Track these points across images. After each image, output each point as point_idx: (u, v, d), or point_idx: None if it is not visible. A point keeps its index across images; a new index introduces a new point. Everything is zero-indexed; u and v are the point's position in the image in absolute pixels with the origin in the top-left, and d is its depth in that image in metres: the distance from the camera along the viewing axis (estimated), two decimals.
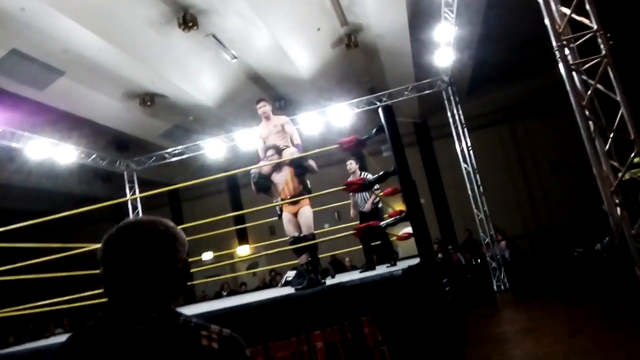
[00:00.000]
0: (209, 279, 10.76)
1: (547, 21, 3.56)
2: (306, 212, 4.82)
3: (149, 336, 0.96)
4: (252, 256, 5.49)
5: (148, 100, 10.20)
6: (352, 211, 6.53)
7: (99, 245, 1.08)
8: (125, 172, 12.88)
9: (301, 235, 4.72)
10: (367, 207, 6.10)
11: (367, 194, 6.13)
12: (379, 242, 6.12)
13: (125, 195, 12.55)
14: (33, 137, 9.57)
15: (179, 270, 1.10)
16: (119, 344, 0.95)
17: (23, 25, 7.26)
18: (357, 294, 4.06)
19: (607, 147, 3.44)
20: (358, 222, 5.94)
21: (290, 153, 5.06)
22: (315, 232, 5.04)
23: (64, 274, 7.51)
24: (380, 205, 6.16)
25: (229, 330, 1.05)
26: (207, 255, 11.11)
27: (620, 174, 3.39)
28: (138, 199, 12.70)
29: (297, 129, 11.99)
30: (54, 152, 10.20)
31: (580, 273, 9.31)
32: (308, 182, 5.04)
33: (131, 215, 12.56)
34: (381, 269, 5.36)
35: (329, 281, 5.10)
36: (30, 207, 13.51)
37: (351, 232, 5.52)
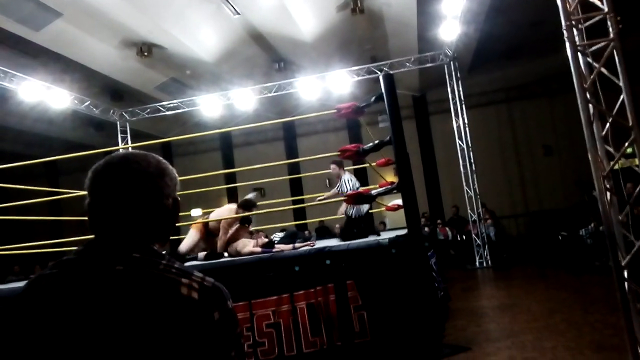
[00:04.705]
0: None
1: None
2: None
3: (125, 278, 0.90)
4: (241, 215, 5.51)
5: (145, 50, 9.98)
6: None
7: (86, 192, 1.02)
8: (118, 122, 12.76)
9: None
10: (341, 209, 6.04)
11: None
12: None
13: (117, 145, 12.47)
14: (26, 78, 9.39)
15: (167, 208, 1.03)
16: (92, 282, 0.89)
17: None
18: (344, 259, 4.12)
19: (605, 132, 3.44)
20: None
21: None
22: (304, 196, 5.14)
23: (51, 218, 7.51)
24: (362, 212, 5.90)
25: (212, 279, 0.97)
26: (196, 212, 11.16)
27: (613, 161, 3.40)
28: (130, 149, 12.60)
29: (294, 92, 11.99)
30: (47, 96, 10.04)
31: (562, 256, 9.48)
32: None
33: None
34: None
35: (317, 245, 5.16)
36: (25, 150, 13.49)
37: (340, 199, 5.56)
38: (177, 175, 1.09)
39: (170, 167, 1.08)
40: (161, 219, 1.02)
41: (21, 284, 5.01)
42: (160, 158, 1.07)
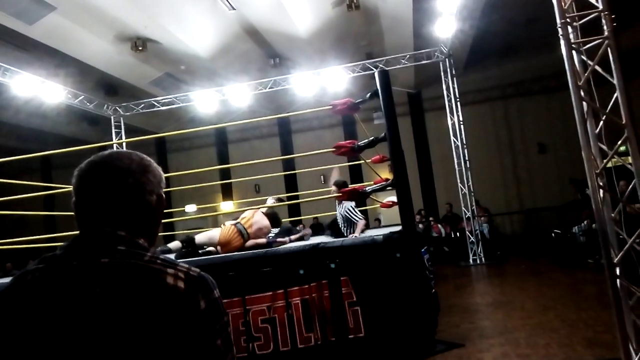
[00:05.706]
0: (190, 231, 10.79)
1: None
2: None
3: (110, 269, 0.92)
4: (236, 211, 5.50)
5: (140, 45, 9.93)
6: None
7: None
8: (112, 117, 12.69)
9: None
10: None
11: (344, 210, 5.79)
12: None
13: (111, 140, 12.41)
14: (20, 72, 9.32)
15: (150, 204, 1.05)
16: (78, 274, 0.91)
17: None
18: (338, 256, 4.11)
19: (598, 129, 3.45)
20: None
21: None
22: (299, 192, 5.09)
23: (45, 213, 7.47)
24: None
25: (198, 269, 0.98)
26: (190, 208, 11.12)
27: (607, 158, 3.42)
28: (124, 144, 12.56)
29: (290, 88, 11.97)
30: (41, 90, 9.97)
31: (555, 254, 9.53)
32: None
33: None
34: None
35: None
36: (18, 144, 13.40)
37: (336, 195, 5.55)
38: (162, 172, 1.12)
39: (155, 164, 1.10)
40: (144, 214, 1.04)
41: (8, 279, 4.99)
42: (144, 156, 1.09)
